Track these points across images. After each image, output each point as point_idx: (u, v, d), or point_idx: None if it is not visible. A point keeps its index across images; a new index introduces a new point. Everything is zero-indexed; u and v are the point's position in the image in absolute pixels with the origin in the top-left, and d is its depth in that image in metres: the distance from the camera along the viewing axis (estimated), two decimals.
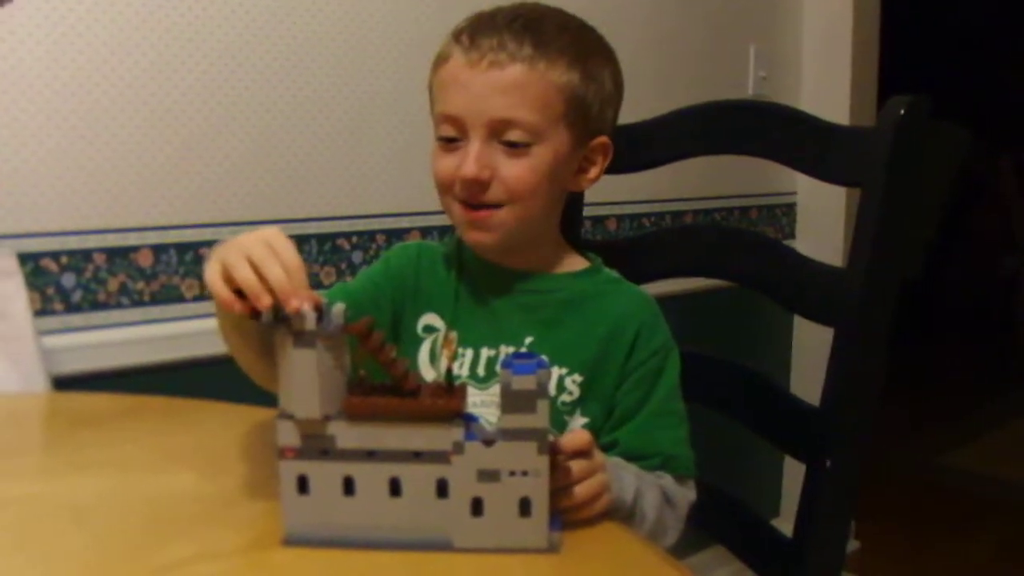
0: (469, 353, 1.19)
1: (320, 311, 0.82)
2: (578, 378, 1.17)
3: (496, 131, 1.12)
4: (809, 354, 2.71)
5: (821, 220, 2.71)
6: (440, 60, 1.17)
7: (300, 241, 1.81)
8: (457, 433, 0.81)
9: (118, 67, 1.59)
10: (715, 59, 2.56)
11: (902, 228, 1.16)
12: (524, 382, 0.79)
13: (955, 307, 5.58)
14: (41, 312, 1.55)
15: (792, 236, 2.80)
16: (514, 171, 1.13)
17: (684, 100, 1.48)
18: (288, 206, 1.80)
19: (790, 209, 2.80)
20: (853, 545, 2.92)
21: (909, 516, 3.32)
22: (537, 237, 1.23)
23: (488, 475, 0.82)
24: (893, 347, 1.24)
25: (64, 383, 1.52)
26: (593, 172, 1.23)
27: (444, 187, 1.18)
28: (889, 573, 2.84)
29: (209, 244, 1.70)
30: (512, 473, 0.81)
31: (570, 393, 1.17)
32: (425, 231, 1.97)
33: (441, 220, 1.98)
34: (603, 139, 1.21)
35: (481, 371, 1.18)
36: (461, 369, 1.19)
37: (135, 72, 1.61)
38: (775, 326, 2.76)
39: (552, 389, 1.15)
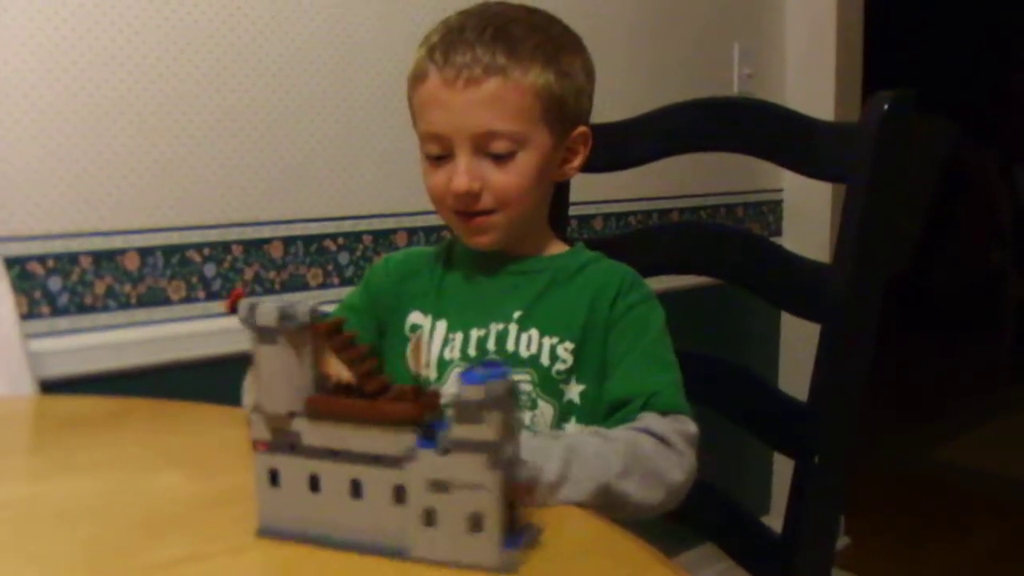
0: (459, 336, 1.23)
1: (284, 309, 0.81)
2: (569, 345, 1.20)
3: (481, 143, 1.17)
4: (797, 350, 2.71)
5: (808, 217, 2.72)
6: (417, 78, 1.20)
7: (287, 243, 1.81)
8: (409, 439, 0.79)
9: (104, 71, 1.59)
10: (700, 57, 2.57)
11: (887, 223, 1.16)
12: (472, 392, 0.75)
13: (943, 302, 5.59)
14: (28, 316, 1.54)
15: (779, 233, 2.81)
16: (502, 179, 1.18)
17: (669, 99, 1.48)
18: (275, 208, 1.80)
19: (776, 206, 2.80)
20: (844, 541, 2.93)
21: (899, 512, 3.33)
22: (528, 226, 1.27)
23: (439, 485, 0.78)
24: (881, 342, 1.24)
25: (51, 386, 1.52)
26: (576, 161, 1.28)
27: (438, 200, 1.23)
28: (880, 569, 2.85)
29: (196, 247, 1.70)
30: (463, 486, 0.78)
31: (563, 361, 1.19)
32: (411, 231, 1.97)
33: (427, 220, 1.98)
34: (582, 129, 1.26)
35: (472, 351, 1.21)
36: (452, 352, 1.22)
37: (121, 76, 1.61)
38: (763, 323, 2.77)
39: (545, 359, 1.19)
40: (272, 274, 1.80)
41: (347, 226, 1.90)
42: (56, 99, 1.55)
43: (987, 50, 6.27)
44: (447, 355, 1.22)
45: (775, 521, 1.26)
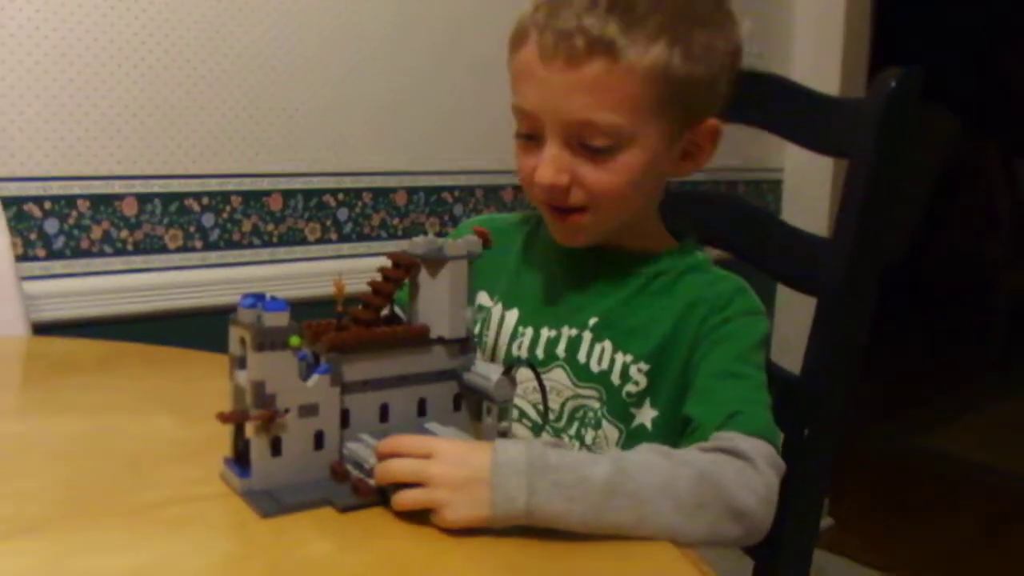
0: (529, 332, 1.11)
1: None
2: (644, 367, 1.05)
3: (574, 134, 1.01)
4: (793, 324, 2.70)
5: (807, 197, 2.71)
6: (517, 40, 1.04)
7: (286, 196, 1.81)
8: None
9: (110, 16, 1.58)
10: None
11: (889, 200, 1.16)
12: (276, 319, 0.81)
13: (936, 289, 5.59)
14: (23, 258, 1.54)
15: (778, 212, 2.80)
16: (596, 177, 1.01)
17: None
18: (276, 161, 1.79)
19: (776, 186, 2.80)
20: (827, 522, 2.94)
21: (883, 496, 3.34)
22: (631, 219, 1.10)
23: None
24: (872, 329, 1.23)
25: (44, 329, 1.51)
26: (701, 158, 1.10)
27: (526, 186, 1.08)
28: (862, 550, 2.86)
29: (195, 195, 1.69)
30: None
31: (636, 383, 1.06)
32: (411, 190, 1.97)
33: (428, 181, 1.98)
34: (712, 123, 1.07)
35: (540, 353, 1.10)
36: (520, 350, 1.11)
37: (127, 21, 1.60)
38: (759, 296, 2.76)
39: (616, 378, 1.06)
40: (270, 227, 1.79)
41: (347, 182, 1.89)
42: (60, 42, 1.54)
43: (995, 38, 6.25)
44: (515, 351, 1.11)
45: None
